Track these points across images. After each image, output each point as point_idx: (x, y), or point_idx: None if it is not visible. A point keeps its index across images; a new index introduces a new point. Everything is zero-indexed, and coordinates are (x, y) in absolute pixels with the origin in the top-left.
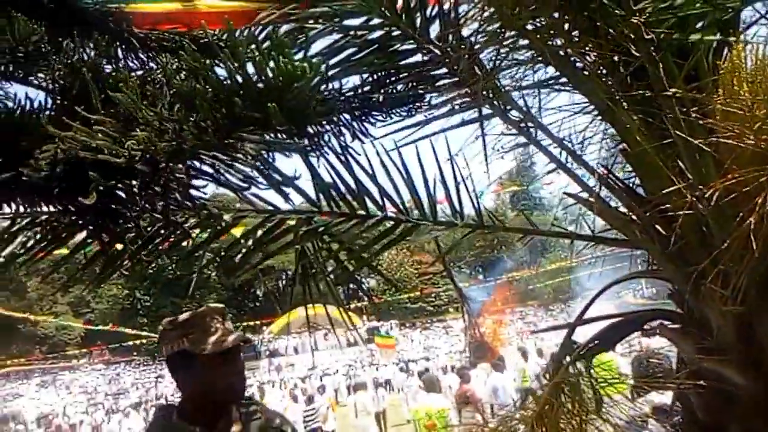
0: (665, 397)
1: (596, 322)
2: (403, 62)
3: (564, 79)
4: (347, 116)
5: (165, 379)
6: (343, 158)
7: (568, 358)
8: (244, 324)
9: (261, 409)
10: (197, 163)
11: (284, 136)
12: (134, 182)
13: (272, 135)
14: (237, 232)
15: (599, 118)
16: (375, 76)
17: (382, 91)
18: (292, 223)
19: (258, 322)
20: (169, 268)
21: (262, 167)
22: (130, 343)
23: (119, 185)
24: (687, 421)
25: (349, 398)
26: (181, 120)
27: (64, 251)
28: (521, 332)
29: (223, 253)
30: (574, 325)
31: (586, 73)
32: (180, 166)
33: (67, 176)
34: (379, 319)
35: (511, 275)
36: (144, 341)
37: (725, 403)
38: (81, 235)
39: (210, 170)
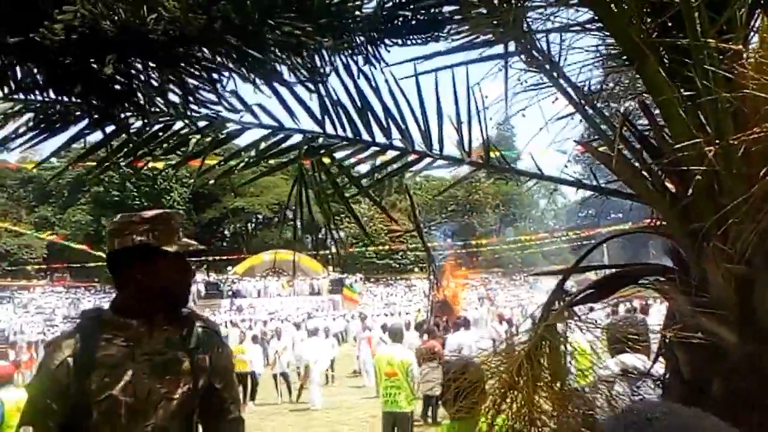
0: (636, 361)
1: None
2: None
3: (593, 22)
4: (362, 38)
5: None
6: (353, 80)
7: (558, 304)
8: (210, 259)
9: (192, 314)
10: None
11: (317, 32)
12: (150, 63)
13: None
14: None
15: (625, 64)
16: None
17: (401, 14)
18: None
19: (224, 258)
20: (136, 195)
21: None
22: (92, 265)
23: (135, 63)
24: (671, 378)
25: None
26: None
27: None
28: (482, 298)
29: (221, 165)
30: (568, 272)
31: (618, 14)
32: (203, 50)
33: (81, 46)
34: (344, 272)
35: (479, 241)
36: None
37: (712, 360)
38: (81, 124)
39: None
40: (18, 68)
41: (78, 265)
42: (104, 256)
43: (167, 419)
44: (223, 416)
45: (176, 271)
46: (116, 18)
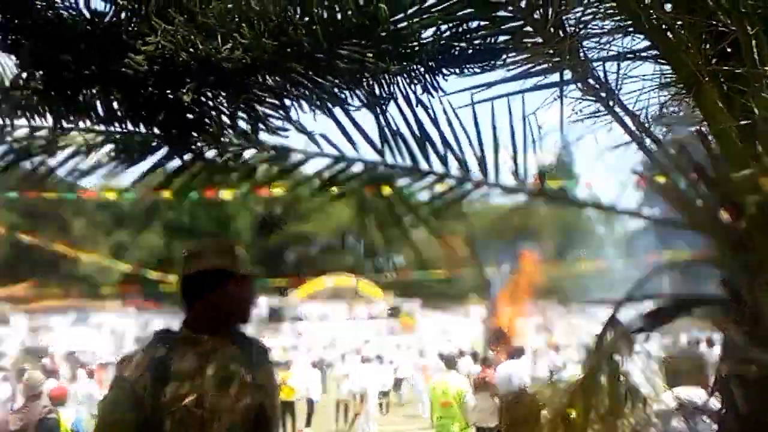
0: (693, 394)
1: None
2: (484, 17)
3: (649, 50)
4: (420, 67)
5: None
6: (412, 110)
7: (610, 335)
8: (273, 284)
9: (248, 335)
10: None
11: (380, 59)
12: (223, 92)
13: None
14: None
15: (681, 92)
16: (453, 28)
17: (458, 44)
18: (357, 170)
19: (284, 284)
20: (206, 222)
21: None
22: (163, 290)
23: (209, 92)
24: (727, 414)
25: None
26: (289, 17)
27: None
28: (540, 326)
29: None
30: (620, 302)
31: (675, 42)
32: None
33: (160, 77)
34: (402, 297)
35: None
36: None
37: None
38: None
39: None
40: (101, 100)
41: (152, 290)
42: (174, 281)
43: (230, 430)
44: None
45: (244, 291)
46: (194, 48)
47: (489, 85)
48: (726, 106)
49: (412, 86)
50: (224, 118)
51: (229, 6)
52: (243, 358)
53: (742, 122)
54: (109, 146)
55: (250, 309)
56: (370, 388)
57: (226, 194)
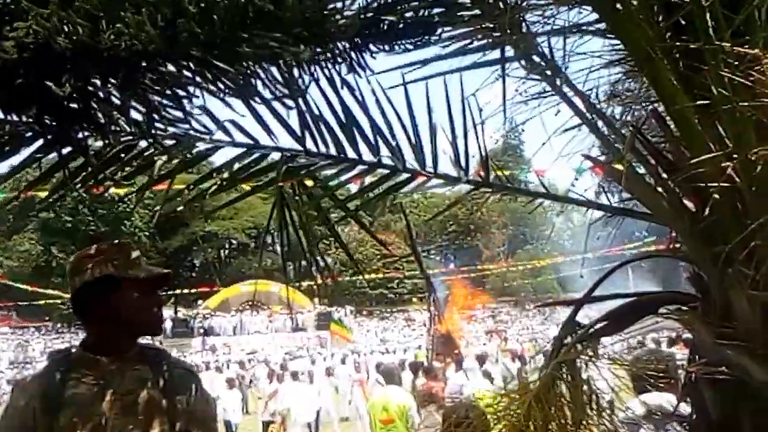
0: (661, 399)
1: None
2: None
3: (597, 23)
4: (345, 44)
5: None
6: (336, 92)
7: (570, 339)
8: (177, 293)
9: (165, 352)
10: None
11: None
12: (111, 80)
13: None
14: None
15: (633, 70)
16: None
17: (387, 17)
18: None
19: (192, 291)
20: (91, 220)
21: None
22: (42, 302)
23: (95, 81)
24: (697, 419)
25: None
26: (178, 3)
27: None
28: (491, 331)
29: (189, 190)
30: (580, 302)
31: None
32: (168, 66)
33: (34, 64)
34: (332, 304)
35: (485, 266)
36: (59, 303)
37: (741, 397)
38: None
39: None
40: None
41: (26, 303)
42: (54, 292)
43: None
44: None
45: (142, 297)
46: (72, 34)
47: (423, 62)
48: (682, 84)
49: (336, 66)
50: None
51: None
52: (155, 380)
53: (701, 102)
54: None
55: (155, 319)
56: (299, 407)
57: (117, 190)
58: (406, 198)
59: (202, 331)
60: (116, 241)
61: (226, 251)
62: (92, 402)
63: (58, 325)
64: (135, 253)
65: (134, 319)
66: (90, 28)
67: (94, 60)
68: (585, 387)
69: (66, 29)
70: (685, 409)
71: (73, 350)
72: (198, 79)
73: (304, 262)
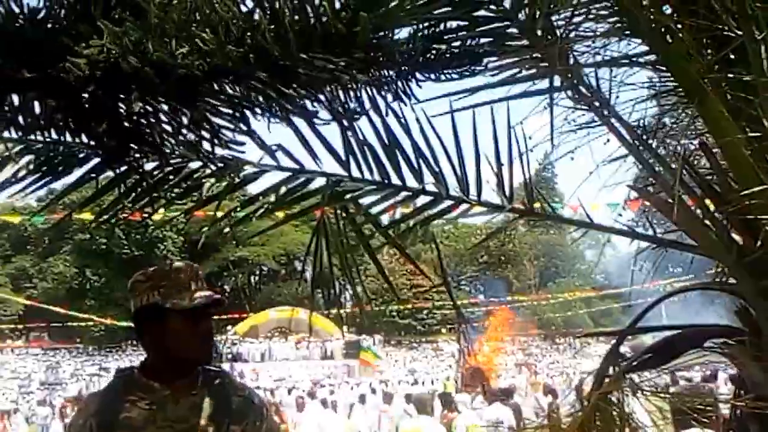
0: None
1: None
2: (464, 16)
3: (646, 55)
4: (391, 72)
5: (110, 372)
6: (382, 118)
7: (613, 370)
8: None
9: (227, 377)
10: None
11: (354, 70)
12: (169, 103)
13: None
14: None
15: (683, 101)
16: (429, 29)
17: (434, 47)
18: (318, 185)
19: (224, 317)
20: (125, 244)
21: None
22: (74, 324)
23: (154, 103)
24: None
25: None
26: (255, 25)
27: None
28: (519, 364)
29: (237, 210)
30: (624, 333)
31: (675, 47)
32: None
33: (103, 83)
34: (361, 333)
35: (515, 299)
36: (91, 326)
37: None
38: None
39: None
40: (37, 106)
41: (59, 324)
42: (85, 316)
43: None
44: None
45: (188, 327)
46: (144, 52)
47: (471, 91)
48: (732, 116)
49: (382, 93)
50: (168, 128)
51: (190, 5)
52: (211, 409)
53: (750, 134)
54: (28, 157)
55: (202, 349)
56: None
57: (155, 215)
58: (437, 228)
59: (230, 356)
60: (168, 264)
61: (257, 277)
62: (143, 427)
63: (90, 348)
64: (185, 277)
65: (180, 350)
66: (164, 46)
67: (160, 79)
68: (628, 420)
69: (141, 48)
70: None
71: (133, 372)
72: (261, 99)
73: (333, 290)
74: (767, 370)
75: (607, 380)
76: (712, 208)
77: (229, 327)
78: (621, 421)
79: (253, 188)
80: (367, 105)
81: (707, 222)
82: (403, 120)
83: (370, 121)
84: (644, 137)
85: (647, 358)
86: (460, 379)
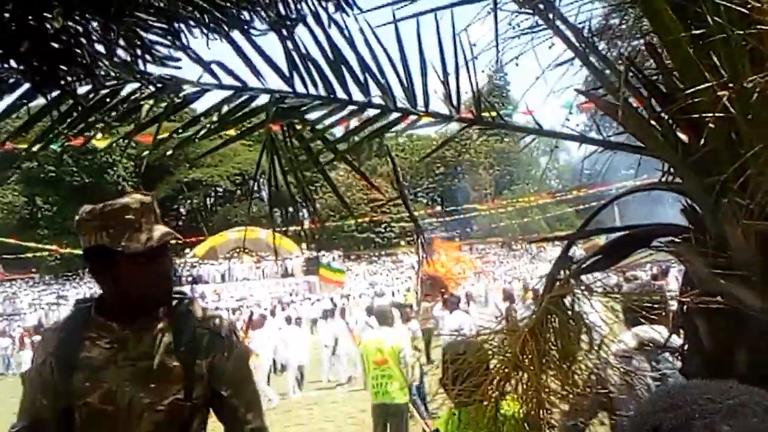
0: (654, 332)
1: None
2: None
3: None
4: None
5: (69, 300)
6: (324, 31)
7: (563, 273)
8: None
9: (195, 308)
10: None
11: None
12: (97, 19)
13: None
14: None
15: (628, 1)
16: None
17: None
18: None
19: (181, 240)
20: (75, 171)
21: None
22: (29, 255)
23: (81, 20)
24: (690, 350)
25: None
26: None
27: None
28: (478, 272)
29: (177, 134)
30: (575, 237)
31: None
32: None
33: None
34: (320, 249)
35: (473, 207)
36: (47, 255)
37: (735, 327)
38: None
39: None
40: None
41: (12, 256)
42: (38, 244)
43: (158, 428)
44: (238, 426)
45: (140, 269)
46: None
47: None
48: (676, 14)
49: (323, 3)
50: (99, 47)
51: None
52: (174, 345)
53: (695, 32)
54: None
55: (157, 290)
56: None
57: (99, 141)
58: (392, 141)
59: (190, 279)
60: (118, 202)
61: (212, 199)
62: (104, 366)
63: (46, 277)
64: (136, 216)
65: (134, 292)
66: None
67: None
68: (578, 321)
69: None
70: (677, 341)
71: (91, 311)
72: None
73: (291, 208)
74: (711, 265)
75: (558, 283)
76: (658, 109)
77: (187, 250)
78: (573, 322)
79: (198, 108)
80: (309, 18)
81: (653, 122)
82: (346, 31)
83: (312, 33)
84: (590, 39)
85: (597, 259)
86: (420, 290)
